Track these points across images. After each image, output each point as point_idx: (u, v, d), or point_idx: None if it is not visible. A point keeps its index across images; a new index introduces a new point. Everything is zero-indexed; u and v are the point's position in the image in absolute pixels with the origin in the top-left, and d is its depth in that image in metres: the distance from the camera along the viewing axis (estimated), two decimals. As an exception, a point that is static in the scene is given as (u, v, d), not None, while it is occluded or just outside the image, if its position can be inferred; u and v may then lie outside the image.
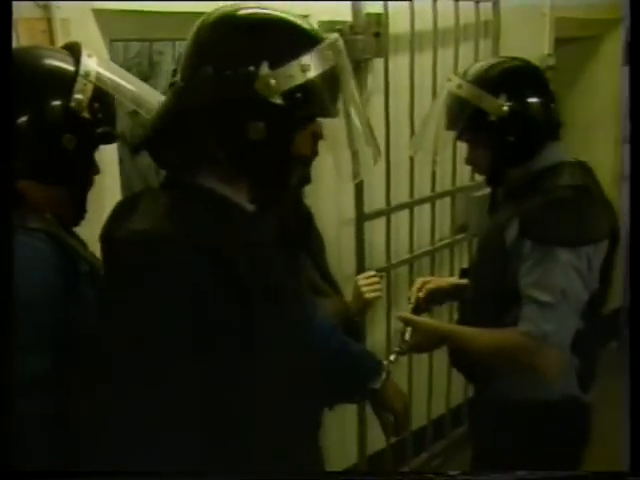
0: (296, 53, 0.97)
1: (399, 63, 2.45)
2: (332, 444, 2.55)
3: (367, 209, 2.43)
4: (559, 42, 3.21)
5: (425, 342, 1.64)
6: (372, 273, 1.93)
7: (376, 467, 2.73)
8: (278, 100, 0.96)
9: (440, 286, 1.86)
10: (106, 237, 1.01)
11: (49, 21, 1.63)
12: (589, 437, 1.65)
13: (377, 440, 2.73)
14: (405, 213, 2.60)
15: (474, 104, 1.56)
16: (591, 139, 3.72)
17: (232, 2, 1.05)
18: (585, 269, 1.45)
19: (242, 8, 1.02)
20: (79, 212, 1.24)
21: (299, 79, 0.97)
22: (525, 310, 1.46)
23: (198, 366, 0.95)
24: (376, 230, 2.52)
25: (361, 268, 2.41)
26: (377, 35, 2.34)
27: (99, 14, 1.74)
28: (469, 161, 1.66)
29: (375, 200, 2.49)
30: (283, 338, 1.06)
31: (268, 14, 1.01)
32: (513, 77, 1.60)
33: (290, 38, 1.00)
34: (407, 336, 1.63)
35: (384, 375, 1.49)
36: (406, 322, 1.66)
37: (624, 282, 3.81)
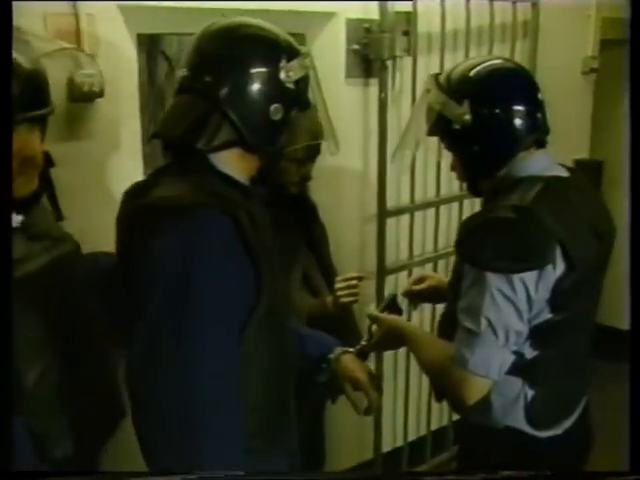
0: (297, 53, 1.27)
1: (430, 62, 2.44)
2: (349, 439, 2.61)
3: (392, 206, 2.43)
4: (605, 44, 3.12)
5: (387, 340, 1.61)
6: (352, 275, 1.92)
7: (393, 464, 2.75)
8: (292, 86, 1.24)
9: (440, 285, 1.78)
10: (136, 207, 1.20)
11: (76, 16, 1.73)
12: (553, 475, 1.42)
13: (397, 438, 2.78)
14: (427, 212, 2.60)
15: (438, 110, 1.46)
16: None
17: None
18: (521, 298, 1.33)
19: (245, 20, 1.28)
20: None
21: (304, 70, 1.27)
22: (457, 332, 1.38)
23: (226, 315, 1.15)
24: (400, 228, 2.53)
25: (381, 265, 2.43)
26: (406, 34, 2.34)
27: (125, 9, 1.82)
28: (451, 167, 1.56)
29: (400, 198, 2.50)
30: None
31: (265, 24, 1.28)
32: (480, 83, 1.44)
33: (290, 42, 1.28)
34: (373, 332, 1.63)
35: (339, 349, 1.54)
36: (372, 319, 1.64)
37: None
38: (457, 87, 1.45)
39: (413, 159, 2.21)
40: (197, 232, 1.11)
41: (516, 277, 1.32)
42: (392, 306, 1.70)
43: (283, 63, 1.23)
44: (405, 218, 2.52)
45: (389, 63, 2.30)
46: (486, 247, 1.34)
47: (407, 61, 2.38)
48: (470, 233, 1.40)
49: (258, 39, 1.25)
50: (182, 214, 1.12)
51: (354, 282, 1.88)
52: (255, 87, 1.21)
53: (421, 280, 1.84)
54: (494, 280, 1.32)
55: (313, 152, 1.88)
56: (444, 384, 1.43)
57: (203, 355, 1.11)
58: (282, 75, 1.23)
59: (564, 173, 1.48)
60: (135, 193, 1.25)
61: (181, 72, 1.25)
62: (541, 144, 1.48)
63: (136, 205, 1.20)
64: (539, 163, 1.45)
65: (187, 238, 1.11)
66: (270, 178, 1.84)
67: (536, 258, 1.33)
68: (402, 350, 1.95)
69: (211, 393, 1.12)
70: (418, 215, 2.56)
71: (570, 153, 3.22)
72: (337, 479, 1.67)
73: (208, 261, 1.11)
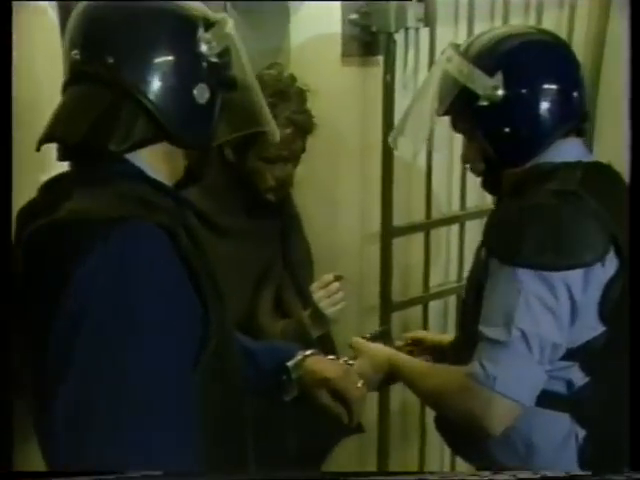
0: (213, 20, 1.11)
1: (456, 36, 1.94)
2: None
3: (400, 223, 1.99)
4: None
5: (372, 373, 1.44)
6: (329, 278, 1.67)
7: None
8: (216, 59, 1.08)
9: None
10: (43, 226, 1.00)
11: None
12: None
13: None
14: (450, 230, 2.16)
15: (462, 83, 1.32)
16: None
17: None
18: (563, 304, 1.19)
19: None
20: None
21: (226, 40, 1.10)
22: (478, 346, 1.23)
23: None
24: (411, 250, 2.10)
25: (387, 298, 1.98)
26: (421, 0, 1.95)
27: None
28: (464, 157, 1.43)
29: (412, 212, 2.07)
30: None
31: None
32: (517, 52, 1.32)
33: (202, 8, 1.12)
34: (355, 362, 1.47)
35: (300, 353, 1.36)
36: (354, 348, 1.49)
37: None
38: (488, 56, 1.32)
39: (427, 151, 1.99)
40: (129, 249, 0.96)
41: (557, 277, 1.19)
42: (383, 337, 1.56)
43: (201, 32, 1.07)
44: (418, 237, 2.07)
45: (398, 37, 1.91)
46: (522, 240, 1.21)
47: (424, 34, 1.98)
48: (502, 223, 1.29)
49: (165, 5, 1.08)
50: (107, 228, 0.96)
51: (335, 285, 1.65)
52: (172, 65, 1.05)
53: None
54: (529, 281, 1.20)
55: (290, 151, 1.64)
56: (459, 413, 1.27)
57: (145, 390, 0.95)
58: (203, 47, 1.07)
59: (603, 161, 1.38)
60: (34, 211, 1.05)
61: (71, 55, 1.05)
62: (579, 132, 1.36)
63: (42, 225, 1.00)
64: (575, 150, 1.34)
65: (117, 256, 0.95)
66: (244, 183, 1.66)
67: (585, 252, 1.20)
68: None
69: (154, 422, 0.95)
70: (435, 234, 2.10)
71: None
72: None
73: (146, 282, 0.96)
